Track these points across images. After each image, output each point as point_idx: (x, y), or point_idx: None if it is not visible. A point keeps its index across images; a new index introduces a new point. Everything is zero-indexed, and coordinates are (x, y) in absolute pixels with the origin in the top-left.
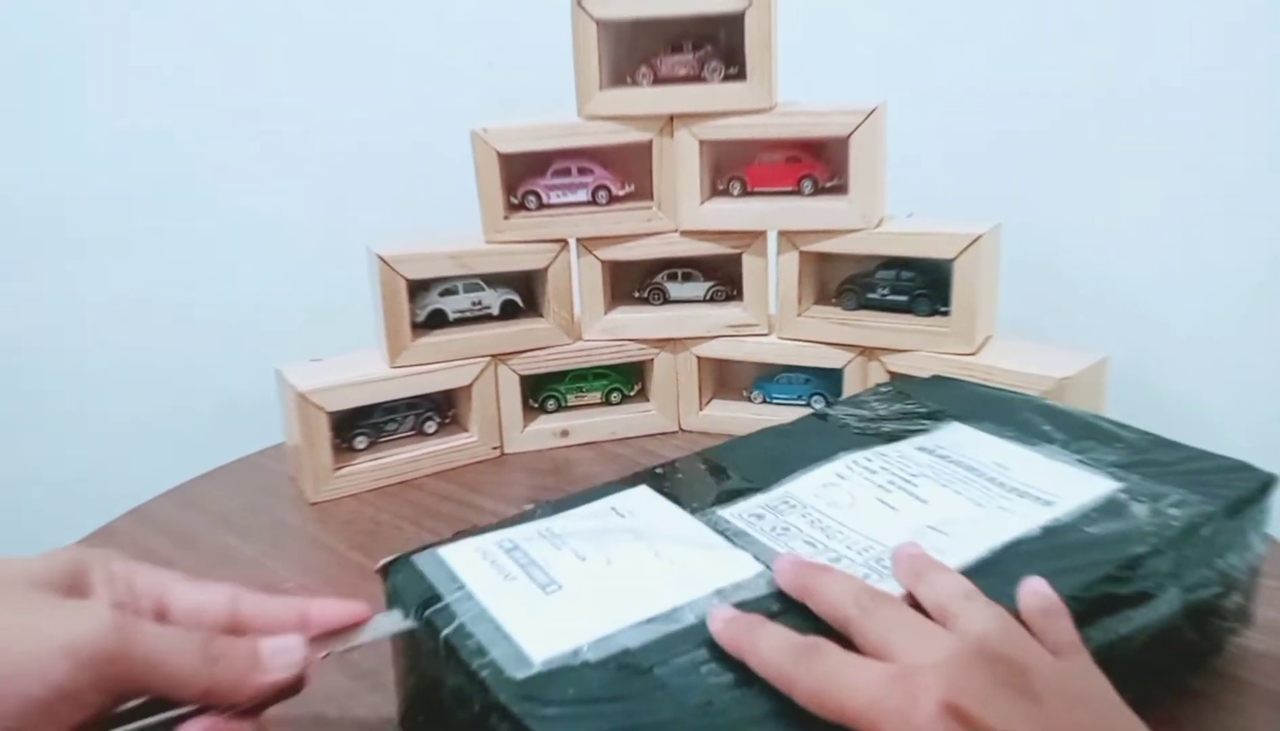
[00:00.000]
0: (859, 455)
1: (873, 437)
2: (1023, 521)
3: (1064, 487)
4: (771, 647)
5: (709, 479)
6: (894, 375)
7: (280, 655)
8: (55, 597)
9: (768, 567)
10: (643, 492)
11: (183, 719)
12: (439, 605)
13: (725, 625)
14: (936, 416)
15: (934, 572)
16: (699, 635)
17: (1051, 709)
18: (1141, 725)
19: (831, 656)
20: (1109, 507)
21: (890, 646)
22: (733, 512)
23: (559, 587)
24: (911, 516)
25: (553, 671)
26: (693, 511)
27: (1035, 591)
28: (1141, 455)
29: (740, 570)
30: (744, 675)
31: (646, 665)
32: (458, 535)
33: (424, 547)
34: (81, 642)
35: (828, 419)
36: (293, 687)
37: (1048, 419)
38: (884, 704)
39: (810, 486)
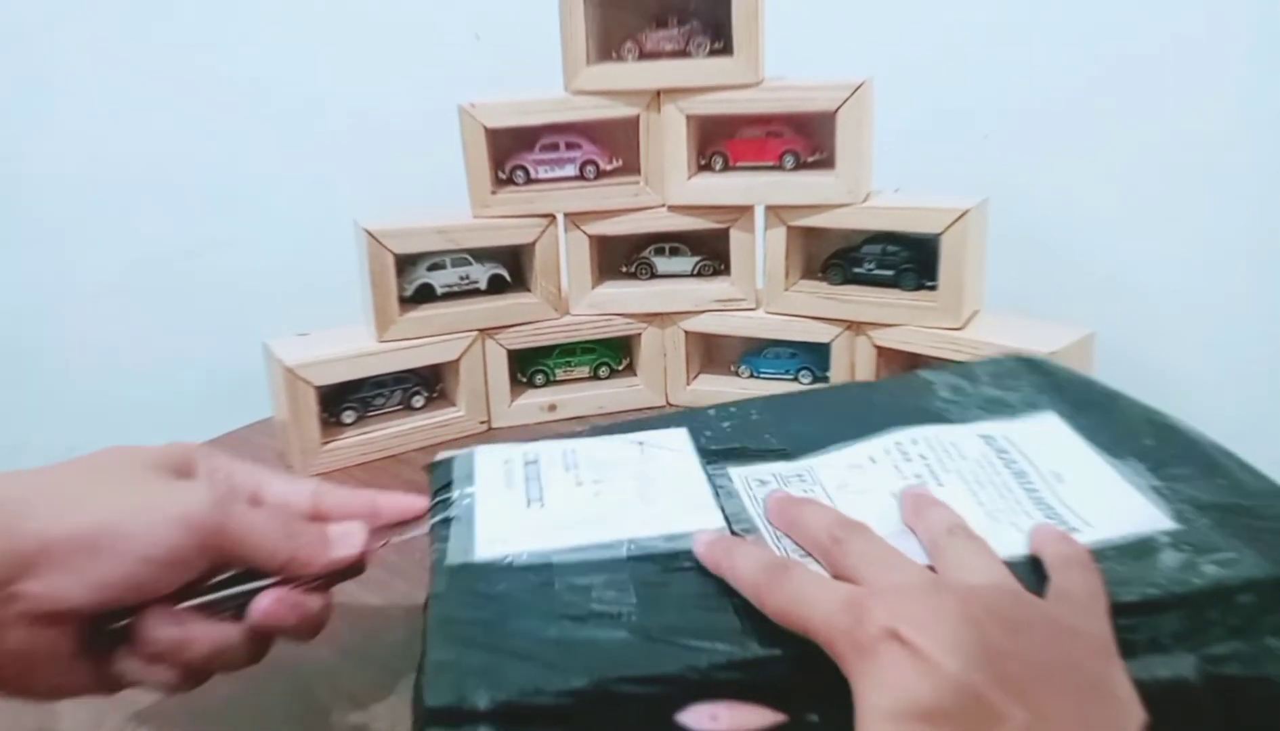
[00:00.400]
0: (908, 434)
1: (947, 412)
2: (1021, 544)
3: (1106, 516)
4: (747, 565)
5: (749, 433)
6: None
7: (344, 538)
8: (169, 478)
9: (730, 528)
10: (677, 434)
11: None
12: (446, 497)
13: (707, 546)
14: (1036, 403)
15: (930, 508)
16: (616, 567)
17: (998, 638)
18: (1126, 684)
19: (798, 574)
20: (1135, 548)
21: (858, 573)
22: (741, 473)
23: (541, 504)
24: None
25: (482, 565)
26: (708, 460)
27: (1057, 537)
28: (1239, 500)
29: (701, 524)
30: (621, 607)
31: (551, 579)
32: (514, 439)
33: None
34: (189, 514)
35: (923, 383)
36: (356, 567)
37: (1160, 436)
38: (836, 622)
39: (836, 464)
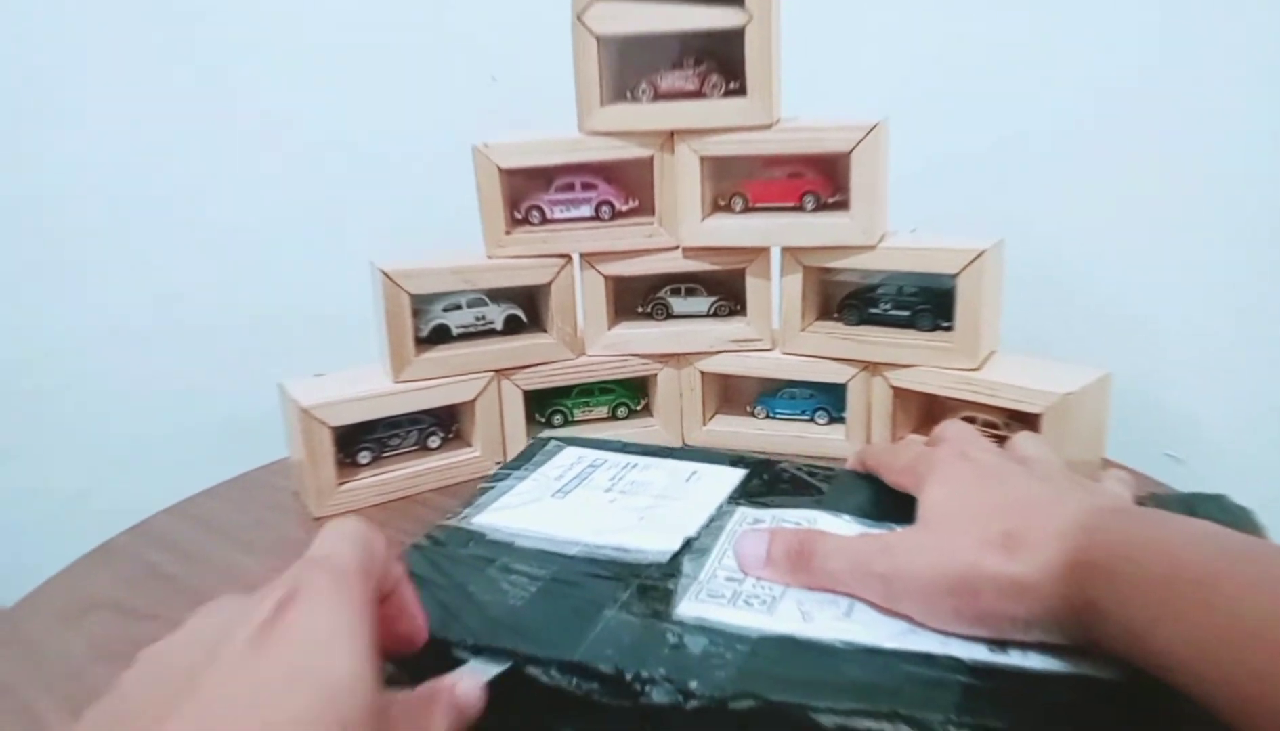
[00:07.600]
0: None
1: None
2: None
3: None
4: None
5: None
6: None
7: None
8: None
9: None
10: (732, 474)
11: None
12: (508, 472)
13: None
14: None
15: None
16: (549, 561)
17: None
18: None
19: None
20: None
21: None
22: (749, 513)
23: (564, 497)
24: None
25: (464, 529)
26: (736, 501)
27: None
28: None
29: (659, 545)
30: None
31: (497, 556)
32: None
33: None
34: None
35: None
36: None
37: None
38: (916, 465)
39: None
